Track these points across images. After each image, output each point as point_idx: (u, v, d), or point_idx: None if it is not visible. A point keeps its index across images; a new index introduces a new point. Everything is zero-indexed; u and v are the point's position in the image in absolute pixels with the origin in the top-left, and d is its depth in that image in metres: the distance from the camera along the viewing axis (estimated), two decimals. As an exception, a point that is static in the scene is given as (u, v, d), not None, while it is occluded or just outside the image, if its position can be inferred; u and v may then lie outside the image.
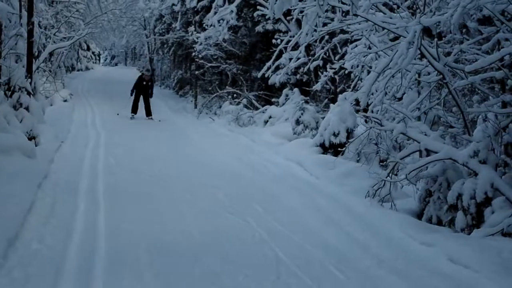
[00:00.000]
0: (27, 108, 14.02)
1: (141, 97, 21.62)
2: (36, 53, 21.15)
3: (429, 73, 10.44)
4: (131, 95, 21.76)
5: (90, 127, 18.55)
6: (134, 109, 21.62)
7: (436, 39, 9.56)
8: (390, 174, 9.62)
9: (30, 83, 16.11)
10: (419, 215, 9.06)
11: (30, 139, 12.70)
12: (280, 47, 18.98)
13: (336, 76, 16.53)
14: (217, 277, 6.37)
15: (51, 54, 27.59)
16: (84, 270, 6.22)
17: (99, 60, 59.90)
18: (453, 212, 8.33)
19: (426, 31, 10.07)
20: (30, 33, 17.97)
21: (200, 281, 6.22)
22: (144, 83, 21.65)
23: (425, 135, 9.46)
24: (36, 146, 12.76)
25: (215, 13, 21.76)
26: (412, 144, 9.60)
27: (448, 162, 8.73)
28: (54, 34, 26.73)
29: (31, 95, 15.28)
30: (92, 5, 23.46)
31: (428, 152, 9.35)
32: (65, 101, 24.98)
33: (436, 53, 9.26)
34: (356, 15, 10.38)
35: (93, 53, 52.52)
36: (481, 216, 7.94)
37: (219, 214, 8.90)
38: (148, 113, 21.67)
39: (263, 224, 8.45)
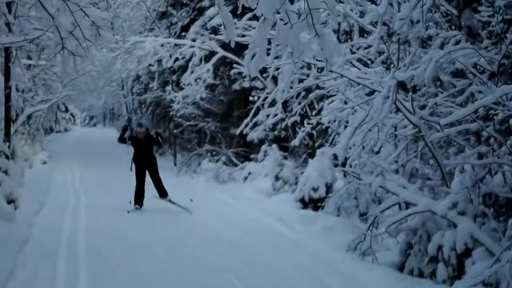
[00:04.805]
0: (5, 172, 13.96)
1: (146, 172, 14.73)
2: (14, 117, 21.15)
3: (405, 126, 10.55)
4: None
5: (70, 189, 18.33)
6: (140, 197, 14.58)
7: (411, 93, 9.68)
8: (371, 228, 9.63)
9: (9, 147, 16.11)
10: (400, 268, 9.03)
11: (9, 202, 12.62)
12: (257, 104, 19.10)
13: (314, 131, 16.64)
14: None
15: (29, 117, 27.53)
16: None
17: (75, 121, 59.92)
18: (434, 264, 8.33)
19: (401, 85, 10.22)
20: (8, 97, 18.10)
21: None
22: (143, 142, 14.74)
23: (404, 188, 9.52)
24: (15, 209, 12.67)
25: (192, 72, 21.88)
26: (391, 197, 9.65)
27: (428, 214, 8.76)
28: (32, 97, 26.73)
29: (10, 159, 15.22)
30: (69, 67, 23.47)
31: (408, 204, 9.40)
32: (44, 163, 24.88)
33: (411, 106, 9.37)
34: (331, 71, 10.54)
35: (71, 114, 52.59)
36: (462, 267, 7.94)
37: (201, 272, 8.81)
38: (162, 192, 14.77)
39: (245, 281, 8.40)
